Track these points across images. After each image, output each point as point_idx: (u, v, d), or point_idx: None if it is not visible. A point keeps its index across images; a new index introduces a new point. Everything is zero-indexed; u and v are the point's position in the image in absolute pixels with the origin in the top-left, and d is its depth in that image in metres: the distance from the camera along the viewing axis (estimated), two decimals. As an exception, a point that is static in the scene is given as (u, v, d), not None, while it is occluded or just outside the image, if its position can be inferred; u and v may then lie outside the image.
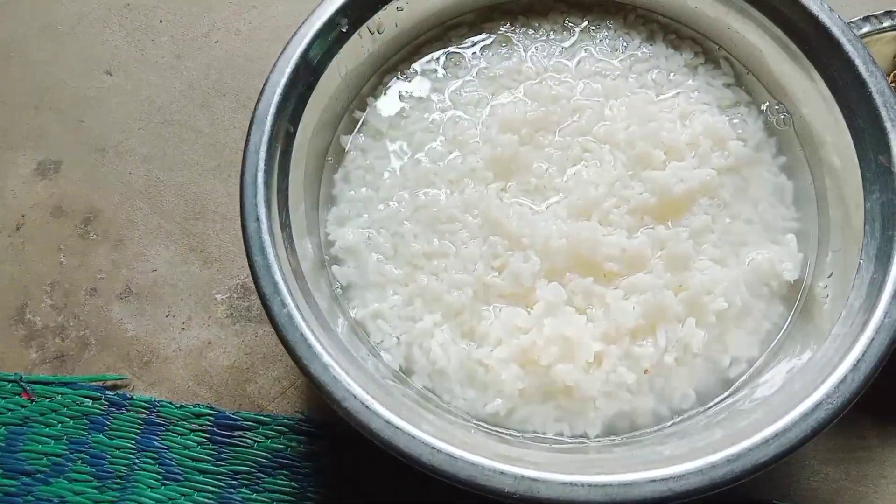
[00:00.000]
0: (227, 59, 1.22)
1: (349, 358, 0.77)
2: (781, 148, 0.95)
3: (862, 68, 0.83)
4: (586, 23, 1.02)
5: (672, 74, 0.99)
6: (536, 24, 1.02)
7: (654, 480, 0.67)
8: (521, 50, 1.00)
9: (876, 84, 0.82)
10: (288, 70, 0.85)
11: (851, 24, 1.10)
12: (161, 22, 1.26)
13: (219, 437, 0.99)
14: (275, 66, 0.86)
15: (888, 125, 0.81)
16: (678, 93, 0.97)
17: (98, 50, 1.24)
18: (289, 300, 0.75)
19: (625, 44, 1.01)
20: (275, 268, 0.76)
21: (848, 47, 0.84)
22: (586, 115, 0.94)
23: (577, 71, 0.98)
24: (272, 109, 0.83)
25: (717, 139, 0.92)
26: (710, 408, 0.83)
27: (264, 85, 0.85)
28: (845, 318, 0.77)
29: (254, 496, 0.96)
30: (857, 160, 0.83)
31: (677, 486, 0.67)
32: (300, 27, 0.87)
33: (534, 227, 0.86)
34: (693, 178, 0.89)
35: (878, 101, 0.82)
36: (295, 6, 1.26)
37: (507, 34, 1.01)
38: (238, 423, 0.99)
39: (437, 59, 1.00)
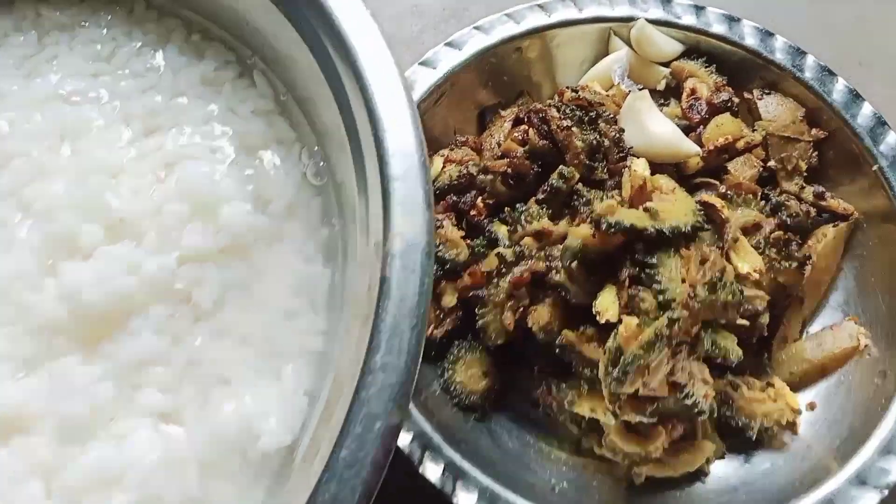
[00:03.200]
0: None
1: None
2: (327, 213, 0.61)
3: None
4: (68, 17, 0.67)
5: (180, 97, 0.64)
6: (-10, 21, 0.67)
7: None
8: (-51, 61, 0.64)
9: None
10: None
11: (540, 6, 0.77)
12: None
13: None
14: None
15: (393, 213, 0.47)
16: (175, 126, 0.62)
17: None
18: None
19: (121, 48, 0.66)
20: None
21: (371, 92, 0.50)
22: (18, 166, 0.59)
23: (29, 93, 0.63)
24: None
25: (200, 203, 0.57)
26: None
27: None
28: None
29: None
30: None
31: None
32: None
33: None
34: (141, 271, 0.54)
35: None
36: None
37: (-58, 35, 0.66)
38: None
39: None
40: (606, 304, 0.61)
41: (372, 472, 0.40)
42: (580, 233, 0.60)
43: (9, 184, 0.59)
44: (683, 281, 0.60)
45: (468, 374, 0.68)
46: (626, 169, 0.68)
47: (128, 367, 0.53)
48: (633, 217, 0.61)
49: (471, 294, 0.65)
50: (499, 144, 0.73)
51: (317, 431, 0.47)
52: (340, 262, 0.59)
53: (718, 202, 0.64)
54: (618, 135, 0.69)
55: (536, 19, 0.75)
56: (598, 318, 0.61)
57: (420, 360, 0.44)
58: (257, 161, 0.61)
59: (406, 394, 0.43)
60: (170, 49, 0.66)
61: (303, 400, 0.54)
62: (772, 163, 0.72)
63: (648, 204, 0.61)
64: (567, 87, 0.73)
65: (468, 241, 0.69)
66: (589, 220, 0.61)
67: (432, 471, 0.59)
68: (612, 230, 0.60)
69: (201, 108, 0.63)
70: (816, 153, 0.73)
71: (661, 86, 0.76)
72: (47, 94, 0.63)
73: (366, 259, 0.49)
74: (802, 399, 0.68)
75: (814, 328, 0.71)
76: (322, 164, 0.61)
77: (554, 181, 0.66)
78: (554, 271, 0.63)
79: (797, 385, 0.68)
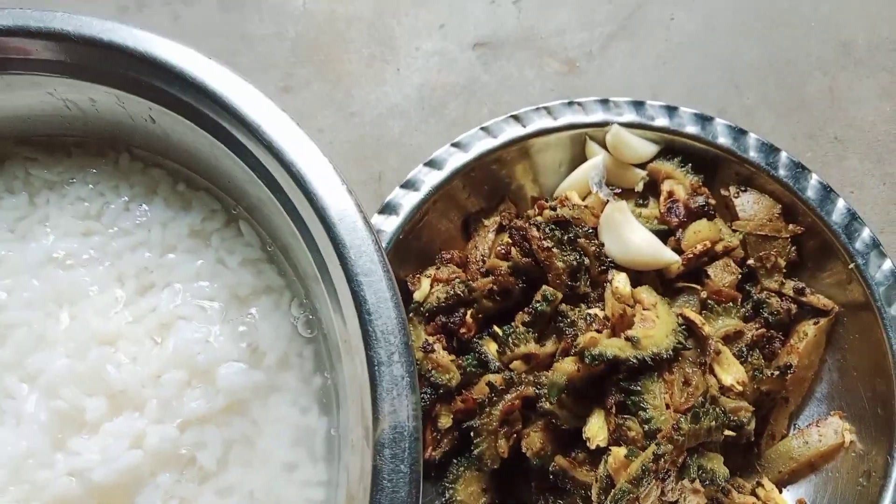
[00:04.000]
0: None
1: None
2: (321, 362, 0.63)
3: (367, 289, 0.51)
4: (56, 175, 0.69)
5: (170, 253, 0.66)
6: (-21, 182, 0.69)
7: None
8: (-58, 230, 0.67)
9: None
10: None
11: (515, 117, 0.78)
12: None
13: None
14: None
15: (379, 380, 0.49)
16: (168, 285, 0.64)
17: None
18: None
19: (109, 204, 0.68)
20: None
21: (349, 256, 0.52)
22: (19, 337, 0.62)
23: (26, 259, 0.65)
24: None
25: (198, 370, 0.59)
26: None
27: None
28: None
29: None
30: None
31: None
32: None
33: None
34: (145, 441, 0.57)
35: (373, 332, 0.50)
36: None
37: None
38: None
39: None
40: (595, 430, 0.64)
41: None
42: (565, 368, 0.63)
43: (12, 355, 0.61)
44: (668, 407, 0.63)
45: (468, 491, 0.70)
46: (608, 283, 0.70)
47: (136, 540, 0.56)
48: (615, 347, 0.63)
49: (465, 426, 0.67)
50: (483, 259, 0.75)
51: None
52: (335, 412, 0.61)
53: (699, 319, 0.66)
54: (598, 249, 0.71)
55: (512, 131, 0.77)
56: (588, 443, 0.63)
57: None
58: (248, 316, 0.64)
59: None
60: (157, 202, 0.68)
61: (306, 559, 0.57)
62: (751, 261, 0.74)
63: (629, 332, 0.63)
64: (546, 201, 0.75)
65: (459, 360, 0.71)
66: (573, 352, 0.64)
67: None
68: (596, 362, 0.62)
69: (191, 263, 0.65)
70: (795, 247, 0.74)
71: (640, 187, 0.77)
72: (42, 259, 0.65)
73: (357, 441, 0.51)
74: (792, 495, 0.70)
75: (801, 421, 0.73)
76: (311, 316, 0.63)
77: (538, 306, 0.68)
78: (543, 398, 0.65)
79: (786, 481, 0.70)
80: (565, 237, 0.70)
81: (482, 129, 0.77)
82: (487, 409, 0.66)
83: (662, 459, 0.59)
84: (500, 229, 0.78)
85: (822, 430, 0.70)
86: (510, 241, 0.74)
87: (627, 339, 0.63)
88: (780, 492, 0.70)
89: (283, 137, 0.57)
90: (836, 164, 0.86)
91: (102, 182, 0.69)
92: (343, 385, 0.59)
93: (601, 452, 0.63)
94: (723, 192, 0.77)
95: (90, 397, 0.58)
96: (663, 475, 0.60)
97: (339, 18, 0.95)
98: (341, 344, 0.55)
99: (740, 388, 0.65)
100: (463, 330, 0.73)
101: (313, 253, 0.56)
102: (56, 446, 0.58)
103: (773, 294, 0.73)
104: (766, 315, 0.72)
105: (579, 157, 0.80)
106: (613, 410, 0.63)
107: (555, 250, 0.69)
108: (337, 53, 0.93)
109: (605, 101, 0.78)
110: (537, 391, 0.65)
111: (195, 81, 0.59)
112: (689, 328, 0.67)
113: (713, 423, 0.61)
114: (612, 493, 0.59)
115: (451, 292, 0.73)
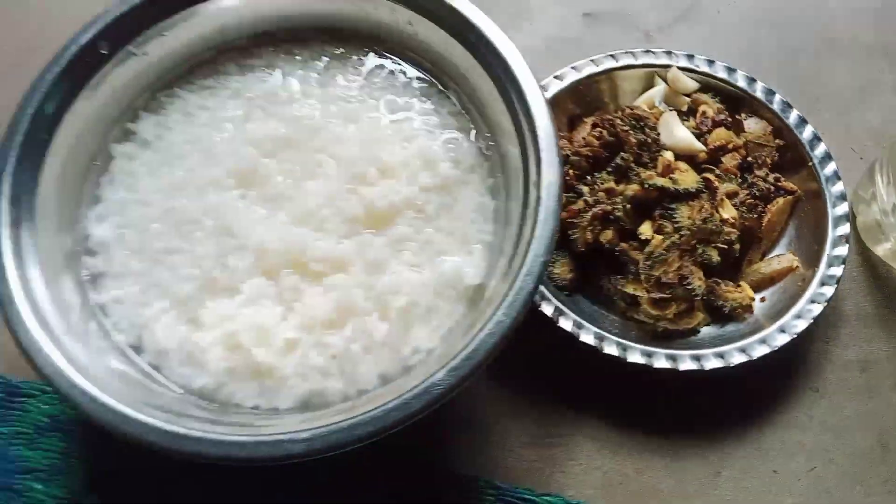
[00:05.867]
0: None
1: (65, 327, 0.90)
2: (493, 171, 1.10)
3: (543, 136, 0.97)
4: (341, 51, 1.17)
5: (411, 99, 1.13)
6: (297, 52, 1.16)
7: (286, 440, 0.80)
8: (280, 74, 1.14)
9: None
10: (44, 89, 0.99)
11: (612, 55, 1.24)
12: None
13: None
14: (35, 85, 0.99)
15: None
16: (407, 117, 1.11)
17: None
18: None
19: (373, 75, 1.15)
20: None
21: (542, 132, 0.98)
22: (324, 135, 1.09)
23: (326, 95, 1.12)
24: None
25: (428, 161, 1.06)
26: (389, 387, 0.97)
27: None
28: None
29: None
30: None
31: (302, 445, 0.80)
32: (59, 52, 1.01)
33: (254, 231, 1.01)
34: (400, 194, 1.03)
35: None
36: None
37: (272, 60, 1.16)
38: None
39: (206, 78, 1.14)
40: (645, 229, 1.09)
41: (524, 301, 0.87)
42: (632, 189, 1.08)
43: (322, 143, 1.08)
44: (689, 218, 1.08)
45: (561, 268, 1.15)
46: (660, 156, 1.15)
47: (396, 241, 1.01)
48: (663, 181, 1.08)
49: (568, 221, 1.13)
50: (584, 139, 1.21)
51: (496, 282, 0.96)
52: (503, 198, 1.07)
53: (713, 177, 1.11)
54: (656, 135, 1.16)
55: (608, 63, 1.23)
56: (640, 236, 1.09)
57: (556, 236, 0.92)
58: (454, 140, 1.10)
59: (550, 250, 0.90)
60: (398, 74, 1.15)
61: (483, 263, 1.02)
62: (750, 158, 1.18)
63: (672, 175, 1.09)
64: (627, 107, 1.20)
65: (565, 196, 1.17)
66: (637, 183, 1.09)
67: (547, 308, 1.07)
68: (650, 187, 1.07)
69: (422, 106, 1.12)
70: (778, 154, 1.19)
71: (685, 108, 1.22)
72: (336, 96, 1.12)
73: (526, 191, 0.97)
74: (758, 296, 1.15)
75: (768, 257, 1.17)
76: (491, 143, 1.09)
77: (618, 161, 1.14)
78: (616, 210, 1.10)
79: (755, 288, 1.15)
80: (638, 125, 1.16)
81: (591, 60, 1.23)
82: (581, 215, 1.12)
83: (683, 237, 1.04)
84: (594, 126, 1.24)
85: (781, 259, 1.15)
86: (602, 128, 1.19)
87: (670, 178, 1.09)
88: (750, 294, 1.15)
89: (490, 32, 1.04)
90: (815, 115, 1.29)
91: (369, 62, 1.16)
92: (512, 183, 1.05)
93: (646, 243, 1.08)
94: (737, 116, 1.22)
95: (370, 167, 1.05)
96: (682, 250, 1.05)
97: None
98: (515, 150, 1.00)
99: (732, 221, 1.10)
100: (567, 178, 1.19)
101: (508, 106, 1.02)
102: (350, 192, 1.05)
103: (761, 179, 1.18)
104: (754, 191, 1.17)
105: (647, 87, 1.25)
106: (657, 219, 1.08)
107: (630, 131, 1.15)
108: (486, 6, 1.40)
109: (669, 52, 1.24)
110: (613, 207, 1.11)
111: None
112: (707, 185, 1.13)
113: (713, 226, 1.06)
114: (651, 256, 1.05)
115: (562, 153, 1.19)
